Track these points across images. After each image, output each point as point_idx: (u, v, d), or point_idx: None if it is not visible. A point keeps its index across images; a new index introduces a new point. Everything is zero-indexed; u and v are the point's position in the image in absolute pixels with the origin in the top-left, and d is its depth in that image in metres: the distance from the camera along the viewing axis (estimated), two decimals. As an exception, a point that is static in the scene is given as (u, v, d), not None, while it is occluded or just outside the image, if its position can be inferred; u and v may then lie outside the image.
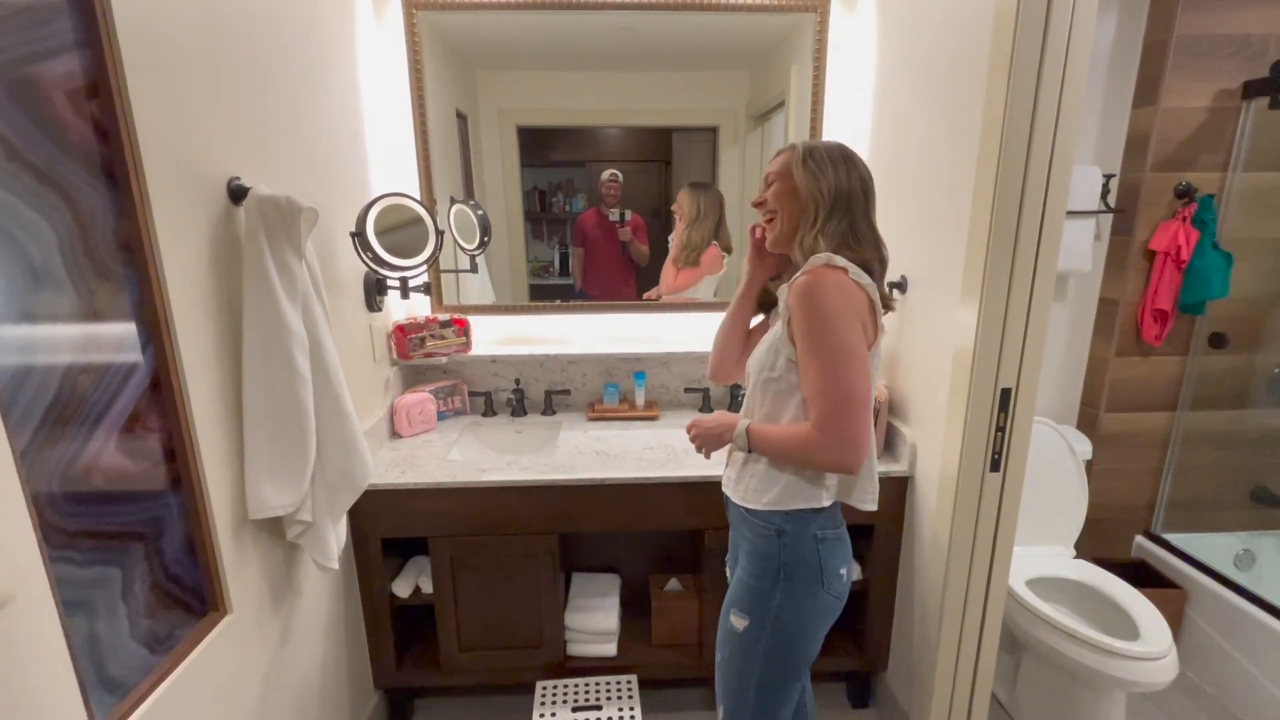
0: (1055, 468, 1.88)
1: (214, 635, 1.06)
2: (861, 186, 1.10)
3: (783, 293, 1.09)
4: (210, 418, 1.05)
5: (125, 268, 0.91)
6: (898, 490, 1.65)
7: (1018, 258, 1.27)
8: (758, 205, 1.18)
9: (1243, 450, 2.13)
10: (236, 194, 1.10)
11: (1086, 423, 2.13)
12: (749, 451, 1.13)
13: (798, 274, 1.06)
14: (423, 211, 1.65)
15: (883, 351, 1.14)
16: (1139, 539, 2.21)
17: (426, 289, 1.77)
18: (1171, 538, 2.15)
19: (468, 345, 1.98)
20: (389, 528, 1.61)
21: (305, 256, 1.15)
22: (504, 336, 2.08)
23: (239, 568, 1.13)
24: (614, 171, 2.08)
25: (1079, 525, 1.91)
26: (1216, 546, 2.11)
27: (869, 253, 1.09)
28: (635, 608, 1.89)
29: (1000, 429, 1.35)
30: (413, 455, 1.72)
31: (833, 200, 1.08)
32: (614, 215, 2.10)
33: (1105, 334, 2.04)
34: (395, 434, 1.85)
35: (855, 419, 1.00)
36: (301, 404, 1.14)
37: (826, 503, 1.12)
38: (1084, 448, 1.95)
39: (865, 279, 1.04)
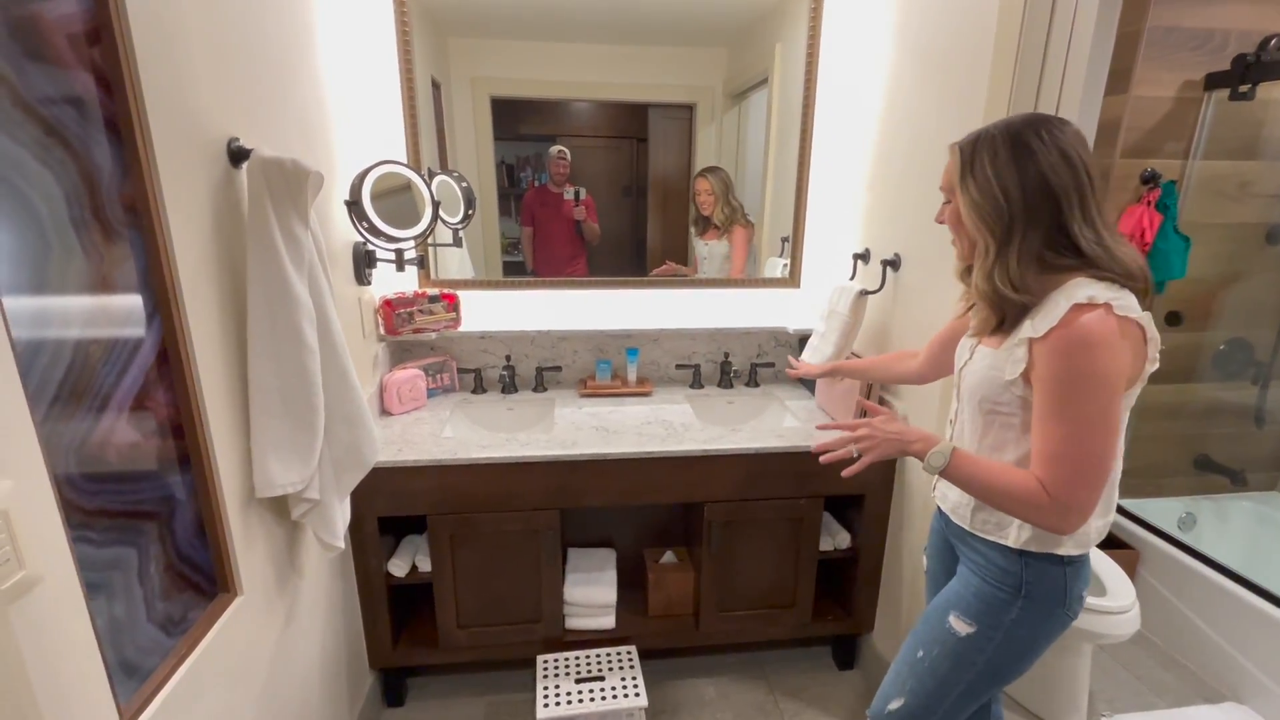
0: (1028, 439, 1.99)
1: (226, 617, 1.02)
2: (1062, 178, 0.87)
3: (1023, 332, 0.92)
4: (218, 392, 1.00)
5: (132, 231, 0.85)
6: (888, 460, 1.71)
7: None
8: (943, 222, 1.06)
9: (1188, 421, 2.30)
10: (237, 156, 1.04)
11: (1053, 396, 2.25)
12: (939, 475, 0.99)
13: (1044, 314, 0.89)
14: (418, 180, 1.59)
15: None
16: (1095, 505, 2.36)
17: (420, 262, 1.72)
18: (1124, 502, 2.31)
19: (457, 321, 1.94)
20: (386, 506, 1.57)
21: (311, 224, 1.10)
22: (491, 312, 2.04)
23: (248, 548, 1.09)
24: (561, 148, 2.03)
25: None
26: (1163, 510, 2.27)
27: (1106, 259, 0.89)
28: (630, 581, 1.92)
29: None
30: (405, 433, 1.68)
31: (1010, 216, 0.90)
32: (569, 193, 2.06)
33: (1073, 312, 2.15)
34: (385, 411, 1.81)
35: (1094, 490, 0.87)
36: (309, 378, 1.10)
37: (1085, 547, 1.00)
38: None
39: (1135, 310, 0.87)
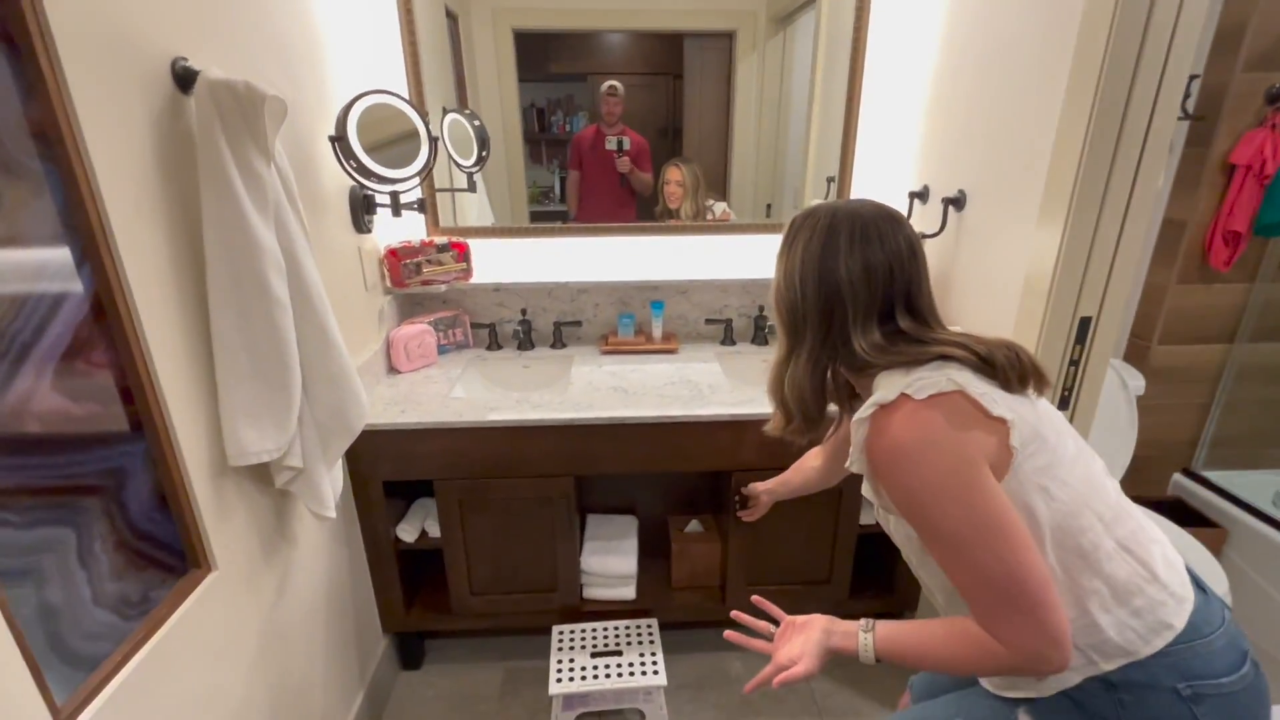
0: (1105, 405, 1.75)
1: (198, 594, 0.94)
2: (856, 289, 0.79)
3: (855, 432, 0.80)
4: (173, 351, 0.89)
5: (44, 163, 0.73)
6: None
7: (1115, 169, 1.08)
8: None
9: (1298, 384, 2.00)
10: (184, 78, 0.90)
11: (1136, 355, 1.98)
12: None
13: (861, 417, 0.78)
14: (412, 113, 1.43)
15: (1028, 439, 0.74)
16: (1177, 476, 2.11)
17: (420, 206, 1.58)
18: (1212, 475, 2.05)
19: (468, 272, 1.80)
20: (391, 470, 1.48)
21: (274, 159, 0.96)
22: (508, 263, 1.90)
23: (222, 520, 1.00)
24: (613, 83, 1.82)
25: (1125, 465, 1.80)
26: (1257, 484, 2.01)
27: (900, 359, 0.78)
28: (653, 550, 1.81)
29: (1074, 362, 1.20)
30: (413, 392, 1.58)
31: (803, 313, 0.83)
32: (611, 143, 1.86)
33: (1167, 259, 1.87)
34: (393, 369, 1.70)
35: (1033, 613, 0.69)
36: (280, 333, 0.98)
37: (1166, 636, 0.74)
38: (1136, 383, 1.82)
39: (947, 383, 0.73)
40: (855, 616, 0.86)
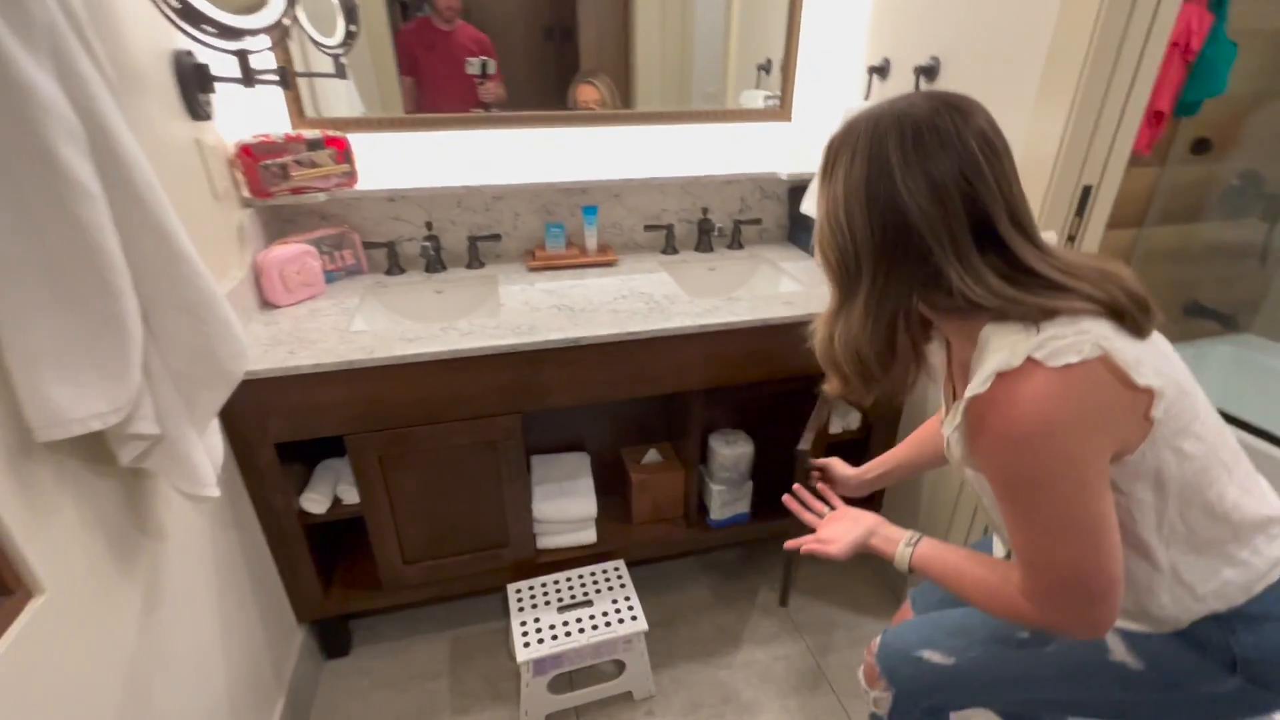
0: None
1: (20, 627, 0.63)
2: (929, 215, 0.61)
3: (956, 413, 0.68)
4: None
5: None
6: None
7: (1134, 19, 0.97)
8: None
9: (1186, 266, 2.14)
10: None
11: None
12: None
13: (977, 367, 0.64)
14: (255, -59, 1.03)
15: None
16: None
17: (282, 78, 1.19)
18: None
19: (352, 176, 1.43)
20: (284, 429, 1.16)
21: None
22: (402, 165, 1.54)
23: (39, 522, 0.68)
24: None
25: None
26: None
27: (1016, 309, 0.62)
28: (607, 487, 1.63)
29: (1071, 238, 1.12)
30: (299, 329, 1.24)
31: (856, 254, 0.66)
32: (473, 66, 1.50)
33: (1093, 143, 1.87)
34: (267, 303, 1.34)
35: (1085, 607, 0.64)
36: (90, 238, 0.64)
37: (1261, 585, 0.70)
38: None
39: (1084, 347, 0.58)
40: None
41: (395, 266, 1.54)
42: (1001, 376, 0.60)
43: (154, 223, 0.72)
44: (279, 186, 1.34)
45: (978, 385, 0.62)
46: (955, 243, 0.61)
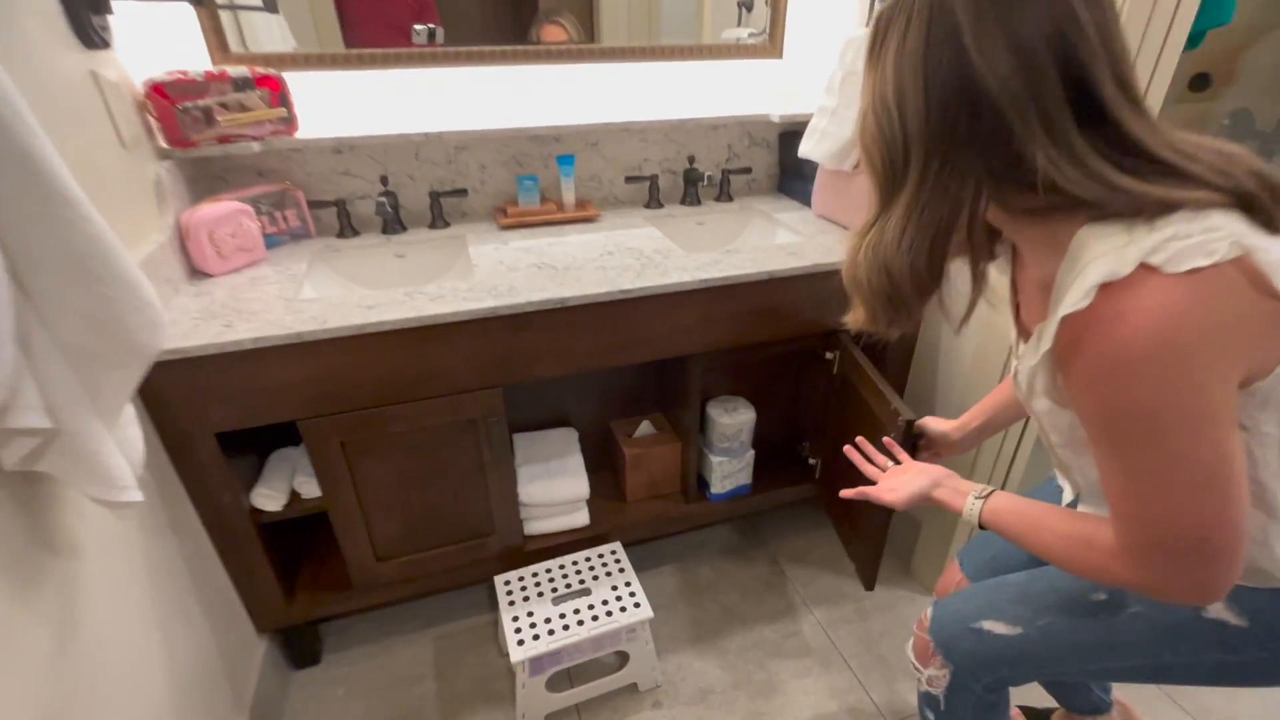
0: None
1: None
2: (1011, 86, 0.49)
3: (1043, 338, 0.57)
4: None
5: None
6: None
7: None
8: None
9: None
10: None
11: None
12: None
13: (1070, 279, 0.53)
14: None
15: None
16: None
17: (195, -3, 0.99)
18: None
19: (291, 124, 1.24)
20: (225, 417, 0.99)
21: None
22: (349, 110, 1.35)
23: (-117, 550, 0.51)
24: None
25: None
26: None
27: (1119, 199, 0.50)
28: (596, 463, 1.50)
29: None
30: (237, 299, 1.06)
31: (905, 145, 0.54)
32: (419, 36, 1.32)
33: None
34: (198, 271, 1.15)
35: (1195, 567, 0.53)
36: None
37: None
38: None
39: (1218, 245, 0.47)
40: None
41: (347, 228, 1.36)
42: (1107, 288, 0.49)
43: (17, 150, 0.54)
44: (203, 134, 1.14)
45: (1076, 300, 0.51)
46: (1046, 117, 0.49)
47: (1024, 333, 0.69)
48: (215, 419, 0.99)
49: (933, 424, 0.97)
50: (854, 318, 0.65)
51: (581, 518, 1.38)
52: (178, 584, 0.98)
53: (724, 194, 1.61)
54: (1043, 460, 1.23)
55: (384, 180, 1.35)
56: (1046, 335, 0.56)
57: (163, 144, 1.13)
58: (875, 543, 1.26)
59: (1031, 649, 0.76)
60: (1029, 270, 0.65)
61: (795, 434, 1.59)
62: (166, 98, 1.09)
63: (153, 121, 1.10)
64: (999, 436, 1.27)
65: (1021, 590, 0.79)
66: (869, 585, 1.36)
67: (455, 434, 1.16)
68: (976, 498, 0.74)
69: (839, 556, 1.59)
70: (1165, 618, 0.69)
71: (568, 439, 1.45)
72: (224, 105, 1.15)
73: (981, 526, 0.73)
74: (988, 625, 0.79)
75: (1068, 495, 0.84)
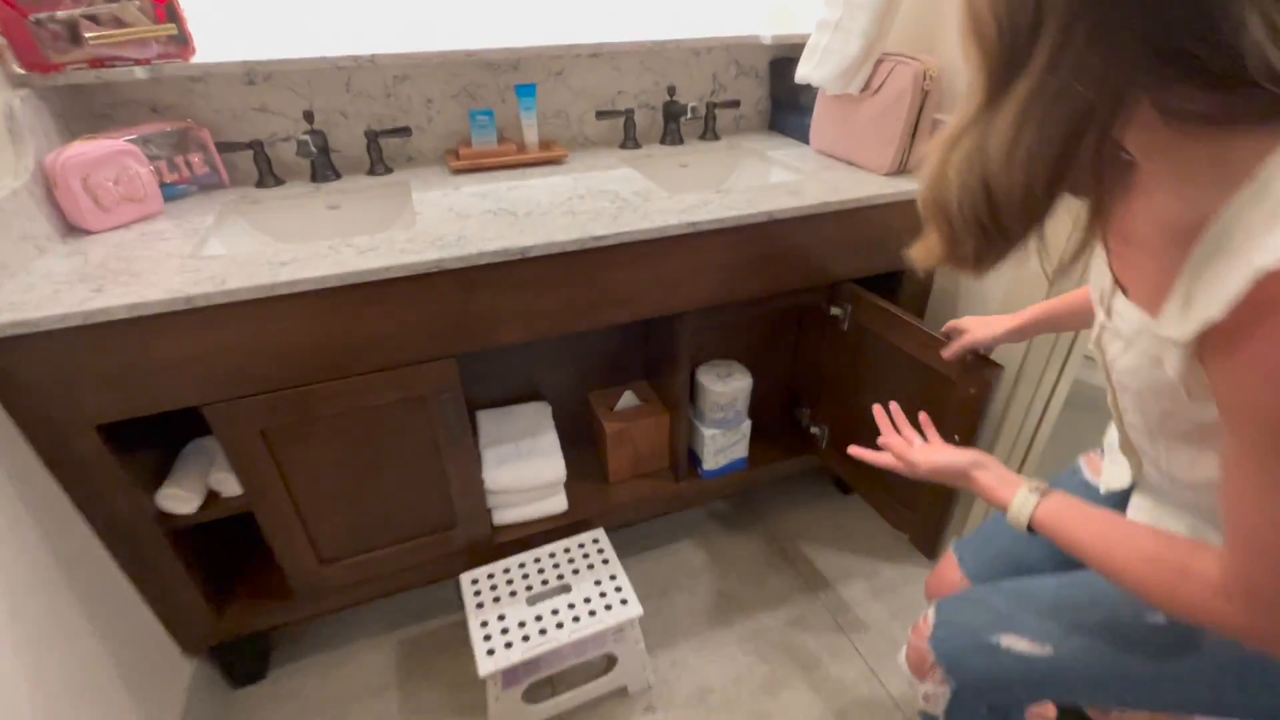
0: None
1: None
2: None
3: (1190, 295, 0.41)
4: None
5: None
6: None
7: None
8: None
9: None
10: None
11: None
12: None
13: (1217, 257, 0.39)
14: None
15: None
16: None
17: None
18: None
19: (186, 45, 1.02)
20: (106, 405, 0.80)
21: None
22: (261, 28, 1.12)
23: None
24: None
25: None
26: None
27: None
28: (576, 439, 1.34)
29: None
30: (119, 259, 0.86)
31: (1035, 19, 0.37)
32: None
33: None
34: (74, 227, 0.94)
35: None
36: None
37: None
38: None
39: None
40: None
41: (269, 175, 1.14)
42: None
43: None
44: (67, 55, 0.92)
45: (1274, 254, 0.34)
46: None
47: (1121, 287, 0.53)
48: (93, 408, 0.79)
49: (974, 324, 0.92)
50: (924, 250, 0.48)
51: (558, 503, 1.22)
52: (61, 614, 0.80)
53: (709, 131, 1.42)
54: (1067, 440, 1.09)
55: (309, 117, 1.13)
56: (1207, 299, 0.39)
57: (16, 68, 0.90)
58: (939, 507, 1.09)
59: (1062, 673, 0.63)
60: (1145, 205, 0.48)
61: (793, 400, 1.44)
62: (14, 6, 0.87)
63: (-2, 38, 0.88)
64: (1023, 408, 1.13)
65: (1053, 600, 0.65)
66: (931, 554, 1.20)
67: (403, 414, 0.98)
68: (1031, 491, 0.59)
69: (842, 530, 1.46)
70: (1238, 651, 0.55)
71: (540, 414, 1.28)
72: (93, 18, 0.92)
73: (1030, 529, 0.59)
74: (1007, 641, 0.65)
75: (1113, 482, 0.69)
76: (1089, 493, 0.75)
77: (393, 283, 0.85)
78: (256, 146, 1.12)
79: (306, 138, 1.10)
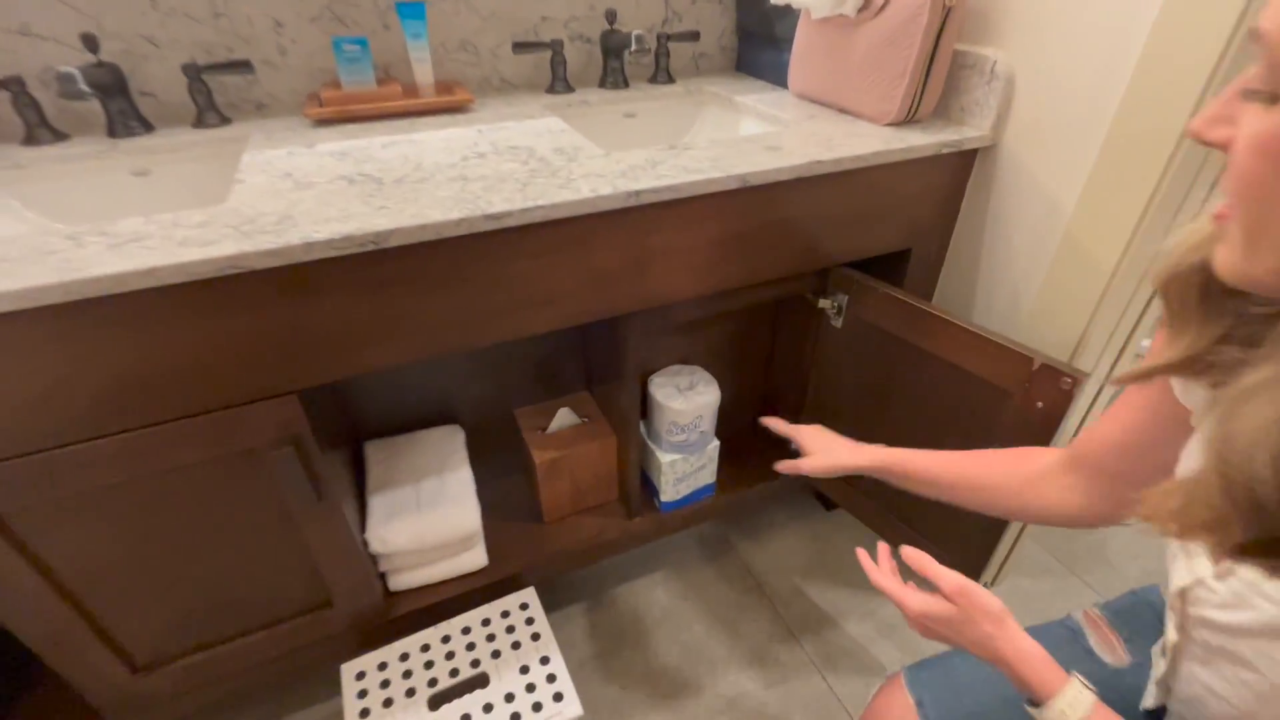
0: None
1: None
2: None
3: None
4: None
5: None
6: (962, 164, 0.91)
7: None
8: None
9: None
10: None
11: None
12: None
13: None
14: None
15: None
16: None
17: None
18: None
19: None
20: None
21: None
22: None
23: None
24: None
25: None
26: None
27: None
28: (500, 470, 1.06)
29: None
30: None
31: None
32: None
33: None
34: None
35: None
36: None
37: None
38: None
39: None
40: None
41: (41, 127, 0.81)
42: None
43: None
44: None
45: None
46: None
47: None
48: None
49: (810, 437, 0.76)
50: (1202, 537, 0.30)
51: (475, 558, 0.95)
52: None
53: (661, 72, 1.12)
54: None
55: (90, 43, 0.79)
56: None
57: None
58: (983, 546, 0.86)
59: None
60: None
61: (770, 411, 1.18)
62: None
63: None
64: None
65: None
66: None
67: (224, 475, 0.68)
68: (1080, 690, 0.41)
69: (827, 555, 1.23)
70: None
71: (448, 443, 0.99)
72: None
73: None
74: None
75: (1102, 654, 0.49)
76: (1090, 662, 0.54)
77: (170, 291, 0.55)
78: (16, 86, 0.78)
79: (75, 71, 0.76)
